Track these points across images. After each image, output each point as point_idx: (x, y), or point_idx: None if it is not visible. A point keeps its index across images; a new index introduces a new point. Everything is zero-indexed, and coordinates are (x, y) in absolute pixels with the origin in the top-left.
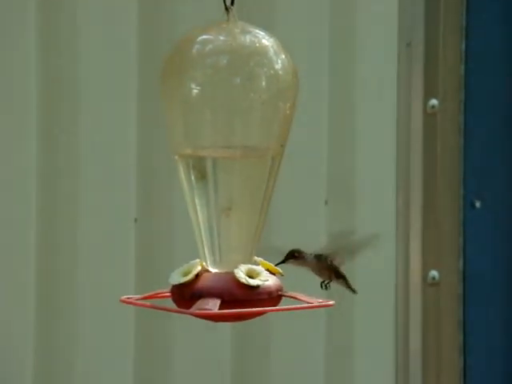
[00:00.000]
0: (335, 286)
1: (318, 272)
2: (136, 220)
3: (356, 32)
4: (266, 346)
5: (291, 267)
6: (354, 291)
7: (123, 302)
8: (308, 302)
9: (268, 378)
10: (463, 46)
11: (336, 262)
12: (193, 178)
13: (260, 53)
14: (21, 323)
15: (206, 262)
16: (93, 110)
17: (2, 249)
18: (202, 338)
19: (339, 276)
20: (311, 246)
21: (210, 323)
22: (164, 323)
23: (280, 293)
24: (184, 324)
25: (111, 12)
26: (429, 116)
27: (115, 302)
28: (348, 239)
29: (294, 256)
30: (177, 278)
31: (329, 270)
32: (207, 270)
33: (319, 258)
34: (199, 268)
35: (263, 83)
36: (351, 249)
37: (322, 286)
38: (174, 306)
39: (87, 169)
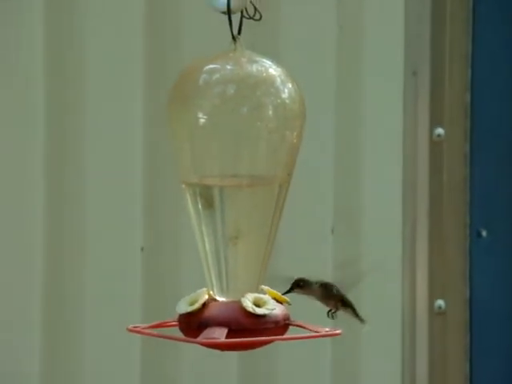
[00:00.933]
0: (342, 315)
1: (325, 301)
2: (142, 249)
3: (362, 61)
4: (272, 375)
5: (298, 296)
6: (361, 320)
7: (130, 330)
8: (315, 331)
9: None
10: (469, 73)
11: (342, 291)
12: (200, 206)
13: (267, 82)
14: (26, 350)
15: (213, 291)
16: (99, 134)
17: (9, 275)
18: (208, 368)
19: (346, 305)
20: (318, 274)
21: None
22: (171, 352)
23: (287, 322)
24: (191, 353)
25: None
26: (435, 144)
27: (122, 330)
28: (354, 267)
29: (299, 285)
30: (184, 307)
31: (335, 298)
32: (214, 299)
33: (325, 286)
34: (206, 297)
35: (270, 112)
36: (357, 277)
37: (328, 315)
38: (181, 335)
39: (93, 197)
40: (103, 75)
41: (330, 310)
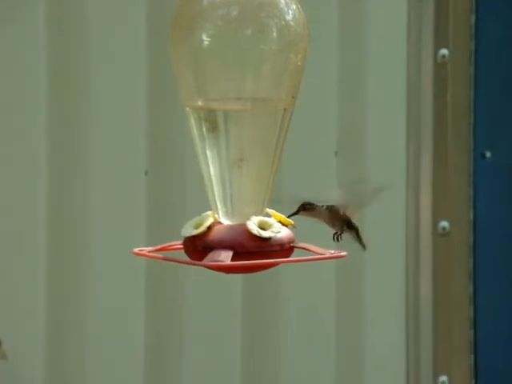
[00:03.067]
0: (346, 238)
1: (331, 223)
2: (146, 172)
3: None
4: (274, 298)
5: (303, 219)
6: (363, 246)
7: (136, 254)
8: (320, 254)
9: (278, 328)
10: None
11: (348, 213)
12: (204, 130)
13: (271, 4)
14: (32, 279)
15: (218, 214)
16: (103, 63)
17: (13, 213)
18: (213, 289)
19: (351, 227)
20: (323, 196)
21: None
22: (176, 275)
23: (292, 244)
24: (195, 278)
25: None
26: (439, 66)
27: (127, 254)
28: (359, 189)
29: (304, 208)
30: (189, 230)
31: (341, 220)
32: (219, 222)
33: (331, 208)
34: (211, 220)
35: (274, 34)
36: (363, 199)
37: (333, 238)
38: (186, 257)
39: (97, 121)
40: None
41: (335, 233)
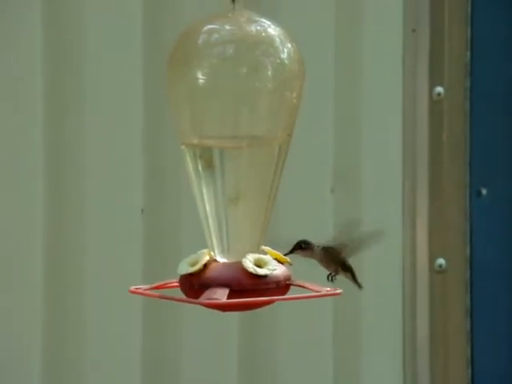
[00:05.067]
0: (342, 277)
1: (325, 264)
2: (143, 210)
3: (361, 18)
4: (274, 333)
5: (298, 256)
6: (359, 286)
7: (132, 292)
8: (316, 291)
9: (276, 365)
10: (469, 32)
11: (343, 255)
12: (200, 167)
13: (266, 42)
14: (28, 314)
15: (214, 252)
16: (98, 102)
17: (9, 244)
18: (210, 327)
19: (346, 269)
20: (318, 234)
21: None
22: (172, 314)
23: (288, 282)
24: (192, 314)
25: (116, 3)
26: (435, 103)
27: (123, 292)
28: (355, 231)
29: (301, 247)
30: (185, 268)
31: (336, 262)
32: (215, 260)
33: (327, 249)
34: (207, 258)
35: (269, 72)
36: (358, 241)
37: (328, 278)
38: (182, 296)
39: (93, 159)
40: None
41: (330, 274)
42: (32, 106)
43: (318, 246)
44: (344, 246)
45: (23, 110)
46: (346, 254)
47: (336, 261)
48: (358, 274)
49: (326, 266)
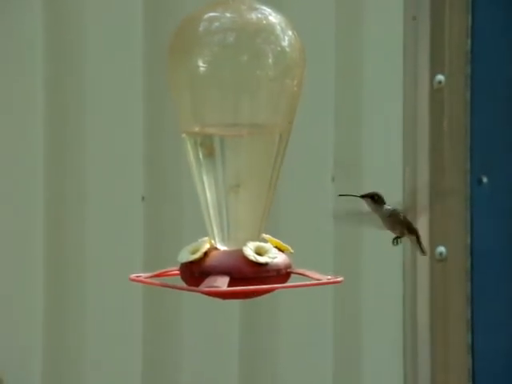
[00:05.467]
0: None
1: (391, 226)
2: (143, 198)
3: (362, 6)
4: (273, 323)
5: (300, 244)
6: (423, 251)
7: (132, 280)
8: (317, 279)
9: (276, 353)
10: (469, 20)
11: (409, 218)
12: (201, 155)
13: (267, 30)
14: (29, 302)
15: (215, 240)
16: (99, 90)
17: (10, 231)
18: (210, 315)
19: (411, 232)
20: (320, 224)
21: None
22: (172, 301)
23: (289, 270)
24: (192, 301)
25: None
26: (435, 91)
27: (124, 280)
28: (420, 197)
29: (373, 198)
30: (185, 256)
31: (401, 224)
32: (216, 248)
33: (392, 212)
34: (208, 246)
35: (270, 60)
36: (423, 207)
37: (393, 242)
38: (183, 284)
39: (94, 147)
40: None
41: (396, 237)
42: (32, 96)
43: (388, 207)
44: (408, 210)
45: (22, 98)
46: (411, 218)
47: (402, 223)
48: (357, 262)
49: (392, 229)
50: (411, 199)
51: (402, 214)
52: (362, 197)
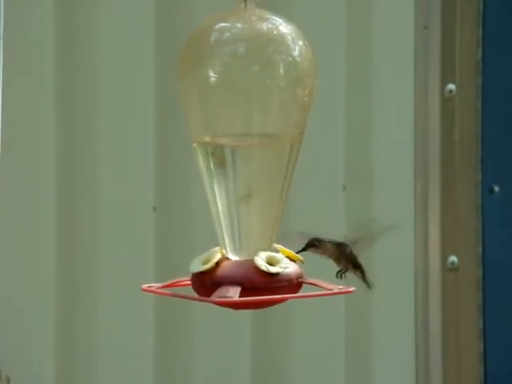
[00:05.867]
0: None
1: (336, 260)
2: (155, 208)
3: (373, 15)
4: (286, 333)
5: (311, 254)
6: (368, 285)
7: (145, 290)
8: (328, 289)
9: (288, 363)
10: (480, 29)
11: (355, 252)
12: (212, 165)
13: (278, 40)
14: (41, 311)
15: (226, 250)
16: (110, 100)
17: (23, 242)
18: (221, 325)
19: (356, 267)
20: (331, 233)
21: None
22: (183, 311)
23: (300, 280)
24: (204, 311)
25: (128, 2)
26: (446, 101)
27: (136, 290)
28: (367, 228)
29: (313, 245)
30: (197, 266)
31: (346, 259)
32: (227, 258)
33: (338, 246)
34: (219, 256)
35: (281, 70)
36: (370, 238)
37: (337, 276)
38: (194, 294)
39: (105, 157)
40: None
41: (339, 271)
42: (44, 107)
43: (330, 242)
44: (355, 242)
45: (35, 112)
46: (358, 251)
47: (347, 258)
48: (368, 273)
49: (337, 263)
50: (357, 232)
51: (348, 248)
52: (304, 250)
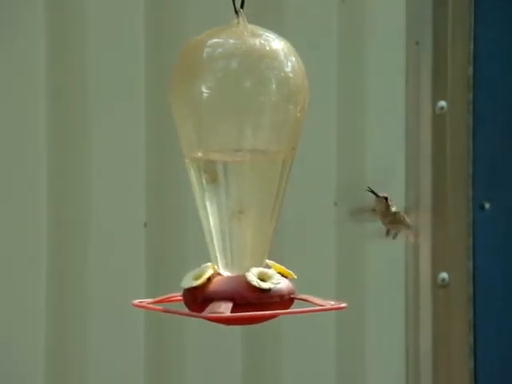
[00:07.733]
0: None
1: (392, 224)
2: (146, 224)
3: (365, 30)
4: (276, 346)
5: (302, 270)
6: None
7: (136, 306)
8: (320, 305)
9: (279, 378)
10: (471, 46)
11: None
12: (204, 181)
13: (270, 56)
14: (31, 328)
15: (218, 266)
16: (102, 113)
17: (11, 261)
18: (213, 341)
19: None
20: (323, 248)
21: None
22: (175, 327)
23: (292, 296)
24: (195, 327)
25: (119, 14)
26: (438, 117)
27: (126, 306)
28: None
29: (386, 199)
30: (189, 282)
31: (401, 223)
32: (219, 274)
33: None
34: (211, 271)
35: (274, 86)
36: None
37: (387, 234)
38: (186, 309)
39: (97, 173)
40: (104, 39)
41: (392, 232)
42: (35, 121)
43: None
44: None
45: (26, 127)
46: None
47: (401, 222)
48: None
49: (392, 226)
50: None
51: (402, 215)
52: (378, 196)
